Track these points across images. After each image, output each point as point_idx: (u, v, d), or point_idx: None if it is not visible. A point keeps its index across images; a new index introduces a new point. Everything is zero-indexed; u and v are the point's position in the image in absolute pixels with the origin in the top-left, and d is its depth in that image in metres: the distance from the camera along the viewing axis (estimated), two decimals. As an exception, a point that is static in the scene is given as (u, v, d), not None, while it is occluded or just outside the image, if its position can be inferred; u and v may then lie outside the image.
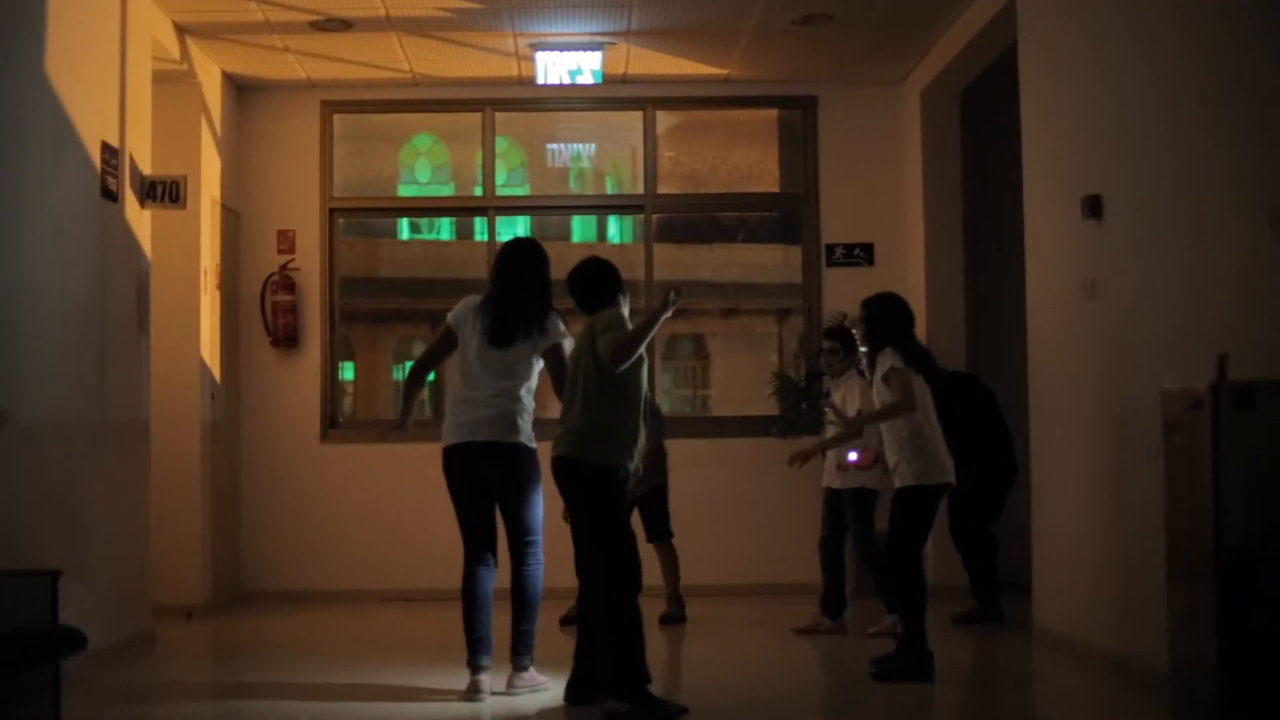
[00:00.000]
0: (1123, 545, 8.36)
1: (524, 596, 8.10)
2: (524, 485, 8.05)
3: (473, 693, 7.93)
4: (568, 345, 7.97)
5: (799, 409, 12.68)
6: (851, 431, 9.76)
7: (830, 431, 10.37)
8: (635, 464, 7.50)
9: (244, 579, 12.91)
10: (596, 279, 7.80)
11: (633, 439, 7.44)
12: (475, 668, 8.00)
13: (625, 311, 7.71)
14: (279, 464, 13.01)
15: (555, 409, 7.75)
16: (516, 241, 8.49)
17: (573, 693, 7.69)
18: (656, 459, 10.84)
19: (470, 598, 8.07)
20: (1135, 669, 8.01)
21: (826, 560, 10.55)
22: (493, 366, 8.08)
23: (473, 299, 8.30)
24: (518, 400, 8.06)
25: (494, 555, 8.17)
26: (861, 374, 10.16)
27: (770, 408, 12.95)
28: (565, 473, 7.46)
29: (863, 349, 9.19)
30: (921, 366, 8.64)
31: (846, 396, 10.22)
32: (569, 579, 7.74)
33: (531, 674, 8.11)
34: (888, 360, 8.53)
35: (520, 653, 8.09)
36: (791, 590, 12.21)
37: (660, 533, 10.99)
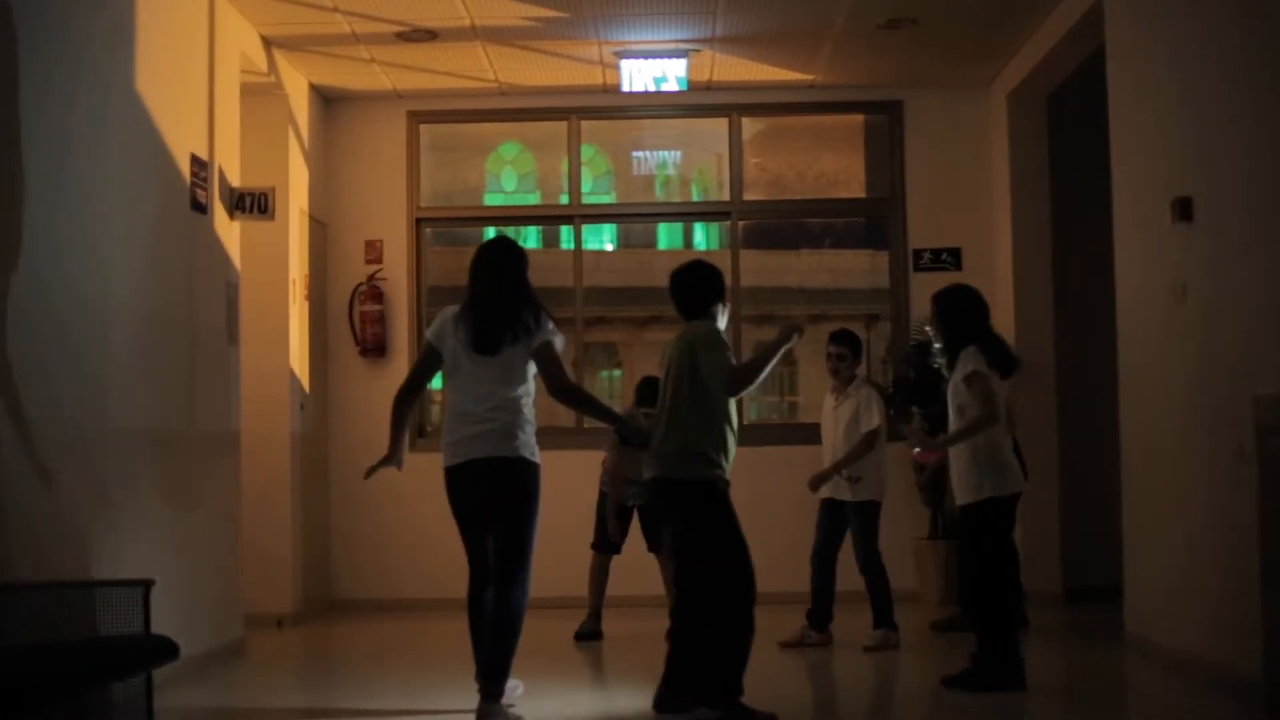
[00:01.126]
0: (1215, 550, 8.26)
1: (506, 622, 7.49)
2: (522, 502, 7.55)
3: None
4: (559, 343, 7.59)
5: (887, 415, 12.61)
6: (863, 447, 9.94)
7: (830, 448, 10.27)
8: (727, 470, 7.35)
9: (333, 588, 12.98)
10: (701, 283, 7.59)
11: (726, 447, 7.34)
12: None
13: (722, 322, 7.58)
14: (368, 473, 13.04)
15: (564, 418, 7.69)
16: (489, 242, 7.93)
17: (663, 700, 7.58)
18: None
19: (478, 621, 7.65)
20: (1229, 676, 7.92)
21: (818, 573, 10.29)
22: (484, 376, 7.57)
23: (450, 310, 7.79)
24: (517, 411, 7.56)
25: None
26: (877, 385, 10.35)
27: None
28: (666, 494, 7.39)
29: (937, 346, 8.90)
30: (1002, 366, 8.36)
31: (860, 410, 10.10)
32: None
33: (504, 711, 7.48)
34: (971, 361, 8.21)
35: (495, 679, 7.45)
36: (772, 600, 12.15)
37: (660, 544, 10.71)
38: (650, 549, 10.76)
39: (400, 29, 11.34)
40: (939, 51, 12.31)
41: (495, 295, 7.62)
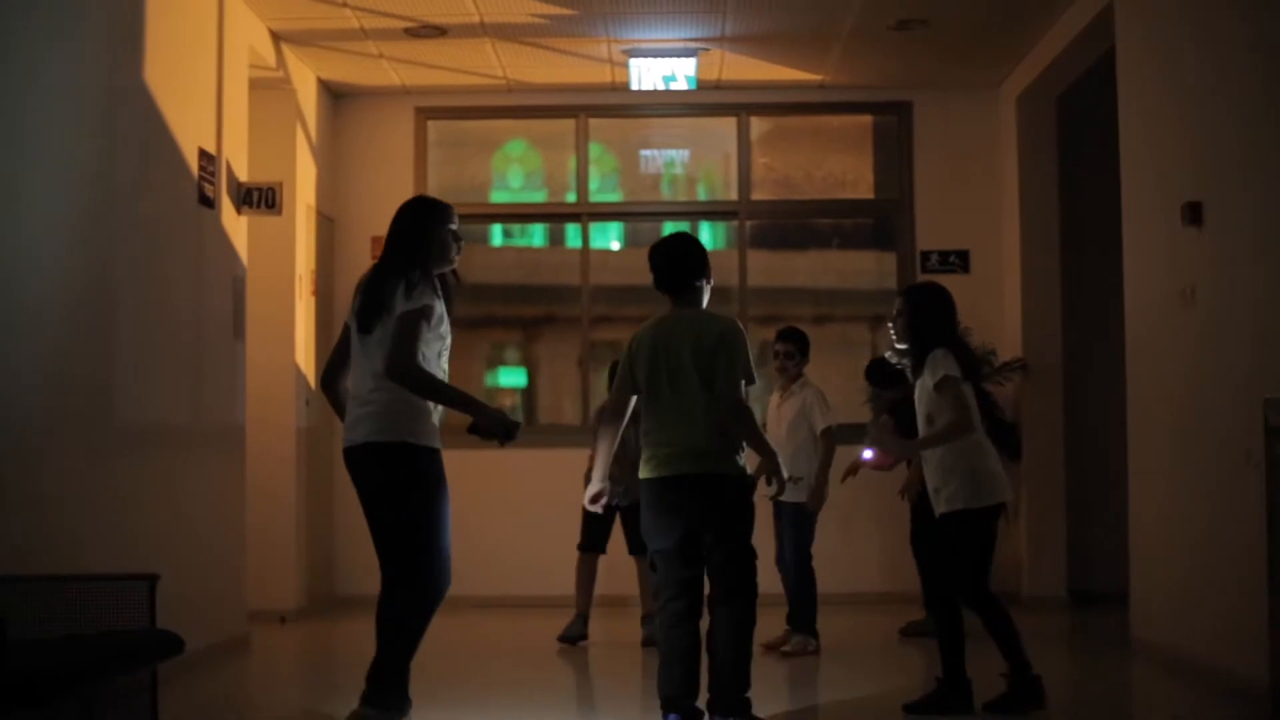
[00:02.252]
0: (1222, 555, 8.25)
1: (384, 627, 6.70)
2: (402, 490, 6.67)
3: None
4: (434, 314, 6.68)
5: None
6: (830, 447, 9.87)
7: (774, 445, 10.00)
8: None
9: (337, 584, 12.97)
10: (694, 253, 7.16)
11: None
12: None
13: (705, 299, 7.20)
14: (372, 469, 13.03)
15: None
16: (401, 206, 7.11)
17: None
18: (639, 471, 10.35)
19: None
20: (1235, 681, 7.91)
21: (800, 569, 10.03)
22: (365, 356, 6.78)
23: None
24: (394, 389, 6.63)
25: None
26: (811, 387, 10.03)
27: (864, 415, 12.90)
28: (708, 491, 6.82)
29: (900, 346, 8.09)
30: (973, 372, 7.72)
31: (804, 410, 9.94)
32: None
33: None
34: (942, 366, 7.51)
35: (377, 687, 6.70)
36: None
37: (642, 546, 10.23)
38: (631, 551, 10.53)
39: (409, 25, 11.33)
40: (948, 53, 12.30)
41: (376, 267, 6.94)
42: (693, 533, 6.85)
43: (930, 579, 9.87)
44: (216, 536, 9.84)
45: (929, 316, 7.73)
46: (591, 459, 10.06)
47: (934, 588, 7.91)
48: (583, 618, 10.51)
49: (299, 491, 11.95)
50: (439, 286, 6.85)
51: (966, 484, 7.50)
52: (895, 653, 10.25)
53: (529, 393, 14.01)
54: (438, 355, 6.76)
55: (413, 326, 6.59)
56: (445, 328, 6.81)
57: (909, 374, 7.98)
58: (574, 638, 10.46)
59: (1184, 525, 8.89)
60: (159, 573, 6.54)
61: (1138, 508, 9.77)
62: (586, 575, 10.58)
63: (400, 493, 6.69)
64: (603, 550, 10.57)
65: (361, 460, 6.77)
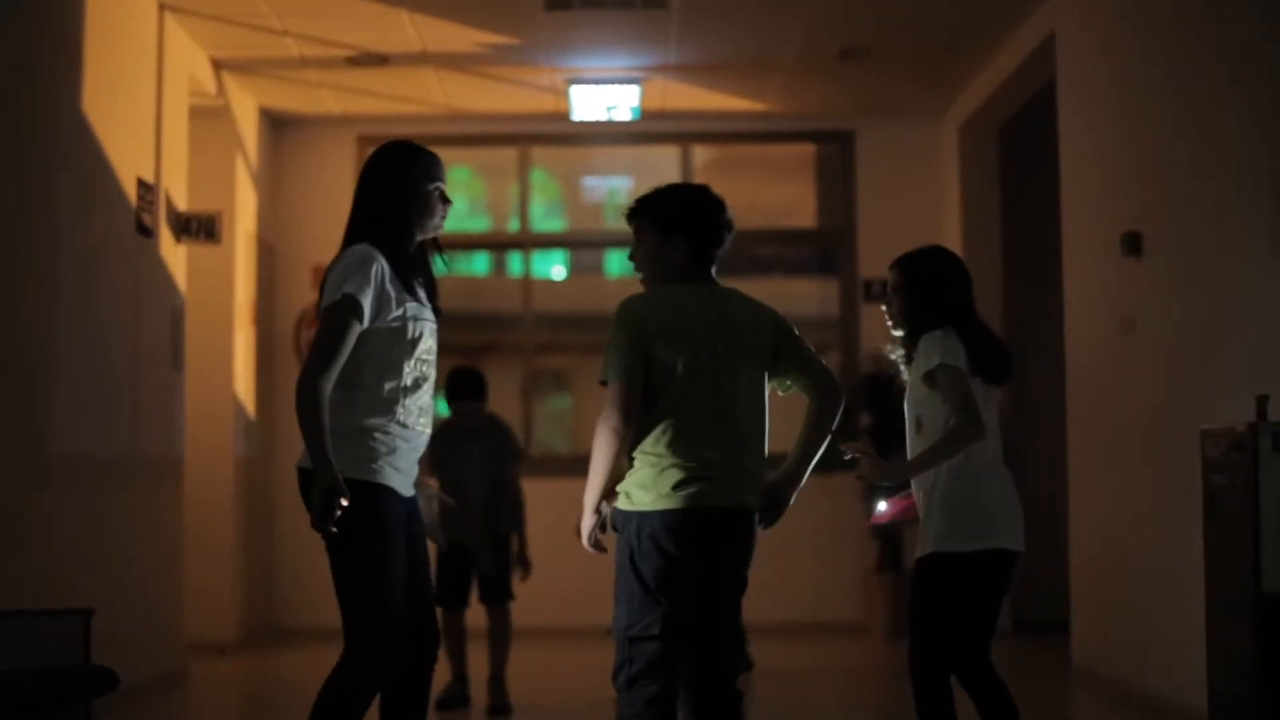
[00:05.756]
0: (1162, 583, 8.27)
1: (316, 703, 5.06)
2: (328, 537, 4.97)
3: None
4: (363, 305, 4.94)
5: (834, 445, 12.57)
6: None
7: None
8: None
9: (277, 615, 12.87)
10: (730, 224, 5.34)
11: None
12: None
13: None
14: (313, 499, 12.95)
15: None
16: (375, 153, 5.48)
17: None
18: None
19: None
20: (1175, 709, 7.92)
21: None
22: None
23: None
24: (329, 405, 4.95)
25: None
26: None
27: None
28: (744, 528, 5.16)
29: (897, 333, 5.91)
30: (987, 365, 5.70)
31: None
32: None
33: None
34: (935, 351, 5.57)
35: None
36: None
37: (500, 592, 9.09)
38: (483, 598, 9.09)
39: (351, 53, 11.28)
40: (891, 82, 12.33)
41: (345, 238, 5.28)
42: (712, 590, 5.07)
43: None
44: (153, 568, 9.75)
45: (924, 286, 5.81)
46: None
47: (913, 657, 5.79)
48: (461, 678, 9.06)
49: (238, 521, 11.87)
50: (411, 264, 5.20)
51: (941, 518, 5.63)
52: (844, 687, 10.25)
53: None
54: (395, 352, 5.04)
55: (329, 325, 4.93)
56: (403, 313, 5.07)
57: (903, 369, 5.91)
58: (453, 701, 8.97)
59: (1125, 554, 8.92)
60: (94, 607, 6.47)
61: (1078, 536, 9.79)
62: (454, 633, 8.90)
63: (334, 540, 4.99)
64: (467, 604, 9.06)
65: (301, 489, 5.05)
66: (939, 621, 5.65)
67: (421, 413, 5.12)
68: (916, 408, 5.73)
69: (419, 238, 5.27)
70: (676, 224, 5.24)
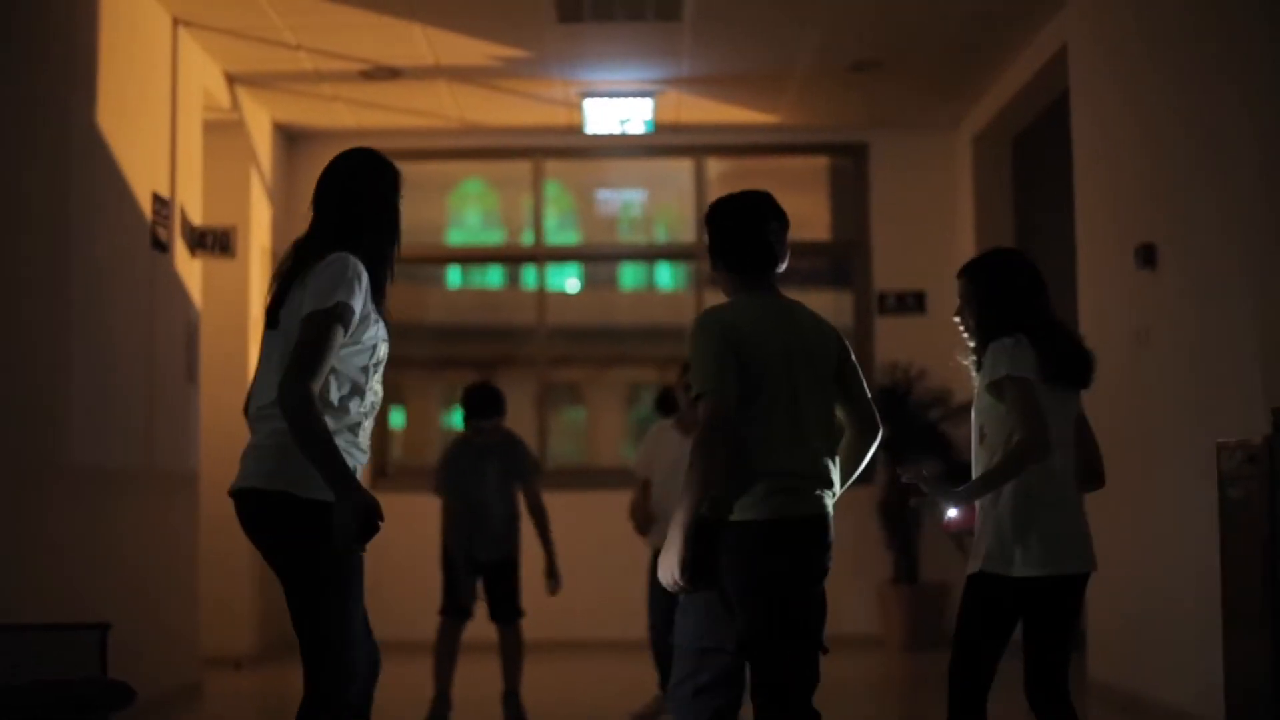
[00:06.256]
0: (1178, 596, 8.25)
1: None
2: (286, 564, 4.72)
3: None
4: (366, 322, 4.73)
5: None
6: None
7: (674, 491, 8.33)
8: None
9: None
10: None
11: None
12: None
13: None
14: (328, 512, 12.95)
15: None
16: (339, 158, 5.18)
17: None
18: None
19: None
20: (1192, 724, 7.91)
21: (664, 628, 7.98)
22: (265, 360, 4.86)
23: None
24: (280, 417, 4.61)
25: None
26: None
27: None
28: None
29: (966, 336, 5.74)
30: (1061, 371, 5.44)
31: None
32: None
33: None
34: (1003, 360, 5.32)
35: None
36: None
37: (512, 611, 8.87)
38: (494, 617, 8.91)
39: (364, 67, 11.30)
40: (904, 94, 12.33)
41: (303, 239, 5.02)
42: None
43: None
44: (169, 581, 9.76)
45: (992, 293, 5.59)
46: (637, 506, 9.02)
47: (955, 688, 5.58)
48: (444, 697, 8.78)
49: (254, 535, 11.85)
50: (369, 276, 4.81)
51: (992, 535, 5.37)
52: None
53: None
54: (363, 373, 4.74)
55: (320, 334, 4.54)
56: (375, 333, 4.79)
57: (973, 375, 5.64)
58: None
59: (1140, 566, 8.89)
60: (110, 621, 6.47)
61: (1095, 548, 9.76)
62: (449, 646, 8.83)
63: (283, 565, 4.73)
64: (470, 616, 8.85)
65: (243, 514, 4.79)
66: (975, 641, 5.45)
67: (368, 437, 4.81)
68: (980, 417, 5.51)
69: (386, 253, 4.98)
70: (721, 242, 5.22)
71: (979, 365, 5.50)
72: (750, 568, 4.78)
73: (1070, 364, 5.46)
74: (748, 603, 4.77)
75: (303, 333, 4.53)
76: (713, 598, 4.83)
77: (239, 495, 4.73)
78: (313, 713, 4.65)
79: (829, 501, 4.92)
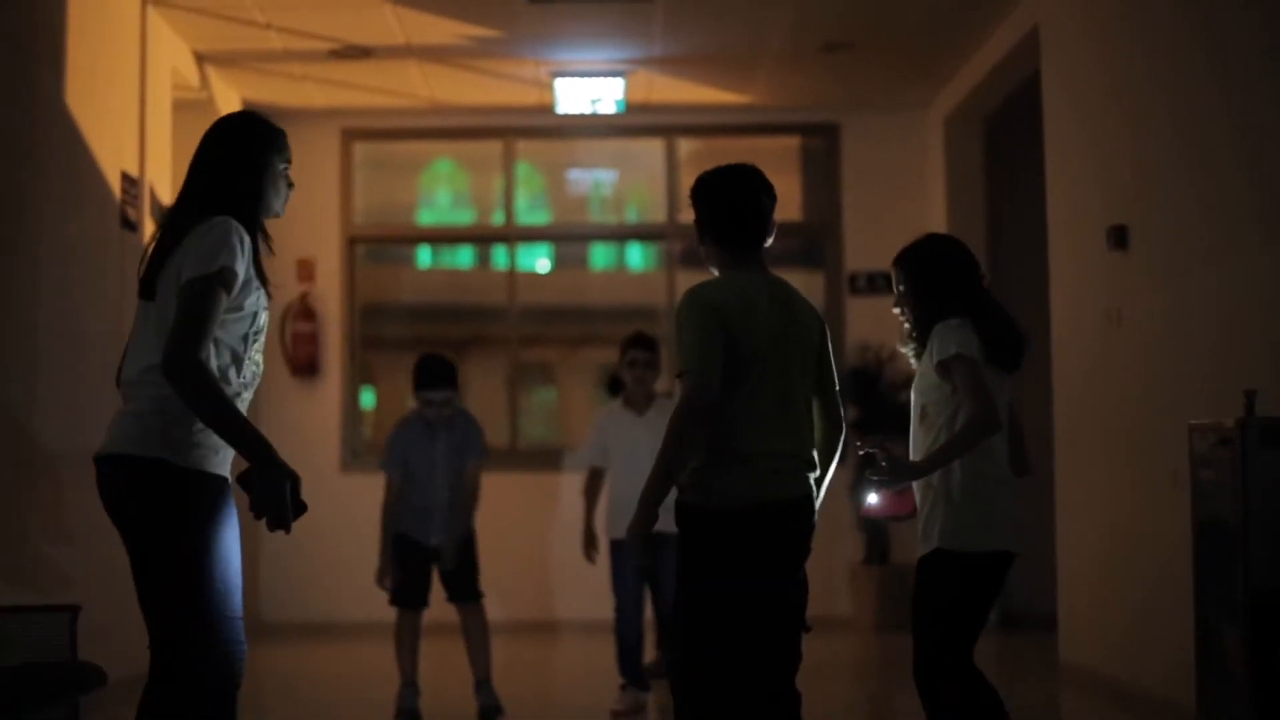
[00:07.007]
0: (1150, 578, 8.27)
1: None
2: (156, 532, 4.51)
3: None
4: (248, 288, 4.61)
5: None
6: None
7: (629, 473, 8.14)
8: None
9: (263, 610, 12.84)
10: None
11: None
12: None
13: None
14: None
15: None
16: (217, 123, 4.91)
17: None
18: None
19: None
20: (1163, 704, 7.92)
21: (631, 617, 8.35)
22: (141, 330, 4.67)
23: None
24: (163, 385, 4.41)
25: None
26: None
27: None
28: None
29: (907, 325, 5.69)
30: (1001, 351, 5.53)
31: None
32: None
33: None
34: (952, 340, 5.35)
35: None
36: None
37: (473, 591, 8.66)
38: (453, 597, 8.67)
39: (334, 46, 11.25)
40: (876, 74, 12.32)
41: (174, 205, 4.84)
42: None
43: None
44: (139, 563, 9.71)
45: (930, 276, 5.62)
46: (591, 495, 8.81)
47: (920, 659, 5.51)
48: (412, 684, 8.45)
49: (224, 516, 11.82)
50: (250, 242, 4.67)
51: (948, 514, 5.38)
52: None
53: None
54: (243, 341, 4.60)
55: (205, 299, 4.39)
56: (256, 300, 4.66)
57: (912, 360, 5.70)
58: (410, 714, 8.35)
59: (1111, 548, 8.91)
60: (80, 603, 6.44)
61: (1065, 530, 9.79)
62: (409, 635, 8.56)
63: (154, 536, 4.52)
64: (426, 604, 8.63)
65: (108, 481, 4.60)
66: (951, 626, 5.41)
67: (245, 409, 4.60)
68: (923, 396, 5.49)
69: (265, 219, 4.87)
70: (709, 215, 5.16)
71: (918, 353, 5.56)
72: (737, 550, 4.75)
73: (1006, 348, 5.52)
74: (734, 583, 4.75)
75: (187, 299, 4.39)
76: (705, 580, 4.80)
77: (106, 461, 4.56)
78: (180, 686, 4.56)
79: (810, 482, 4.90)
